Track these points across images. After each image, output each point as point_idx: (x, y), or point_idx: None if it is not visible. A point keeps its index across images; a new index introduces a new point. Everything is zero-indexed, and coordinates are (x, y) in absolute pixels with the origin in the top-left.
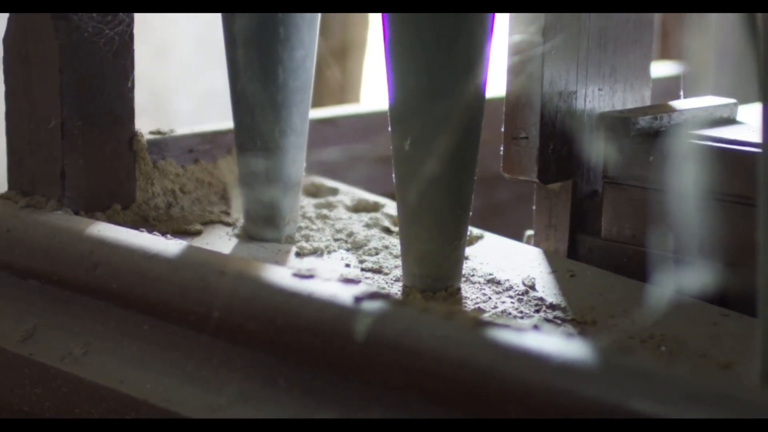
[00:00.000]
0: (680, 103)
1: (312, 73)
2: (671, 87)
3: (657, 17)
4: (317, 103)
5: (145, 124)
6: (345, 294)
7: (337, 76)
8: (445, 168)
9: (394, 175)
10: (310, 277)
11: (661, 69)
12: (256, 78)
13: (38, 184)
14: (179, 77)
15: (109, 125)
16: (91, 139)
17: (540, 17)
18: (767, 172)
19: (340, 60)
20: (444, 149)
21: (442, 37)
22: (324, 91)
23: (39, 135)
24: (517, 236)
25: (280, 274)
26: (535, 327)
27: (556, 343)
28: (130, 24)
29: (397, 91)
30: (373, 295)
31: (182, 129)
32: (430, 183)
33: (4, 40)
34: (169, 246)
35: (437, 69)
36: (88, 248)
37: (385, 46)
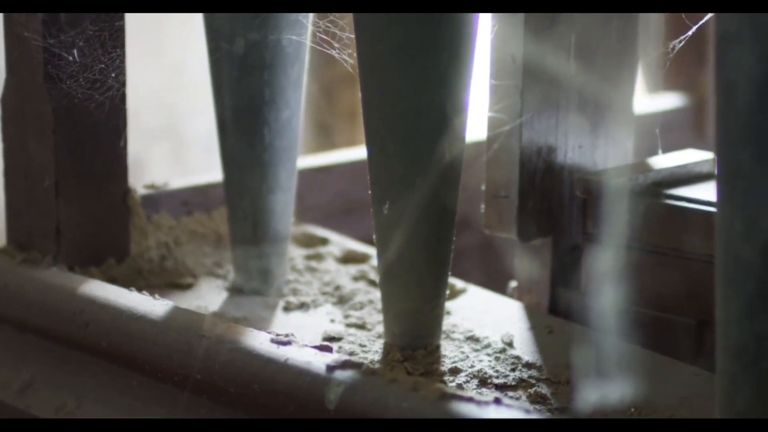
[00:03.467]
0: (658, 160)
1: (298, 133)
2: (673, 120)
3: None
4: (331, 126)
5: (162, 147)
6: (319, 362)
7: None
8: (423, 228)
9: (374, 235)
10: (288, 343)
11: (664, 102)
12: (243, 138)
13: (35, 238)
14: (195, 98)
15: (103, 182)
16: (85, 197)
17: (516, 92)
18: (721, 230)
19: (351, 85)
20: (422, 211)
21: (420, 104)
22: (336, 115)
23: (35, 192)
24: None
25: (259, 340)
26: (497, 400)
27: (515, 418)
28: (120, 88)
29: (376, 156)
30: (345, 364)
31: (176, 182)
32: (409, 244)
33: (2, 99)
34: (156, 307)
35: (416, 135)
36: (79, 307)
37: (363, 113)
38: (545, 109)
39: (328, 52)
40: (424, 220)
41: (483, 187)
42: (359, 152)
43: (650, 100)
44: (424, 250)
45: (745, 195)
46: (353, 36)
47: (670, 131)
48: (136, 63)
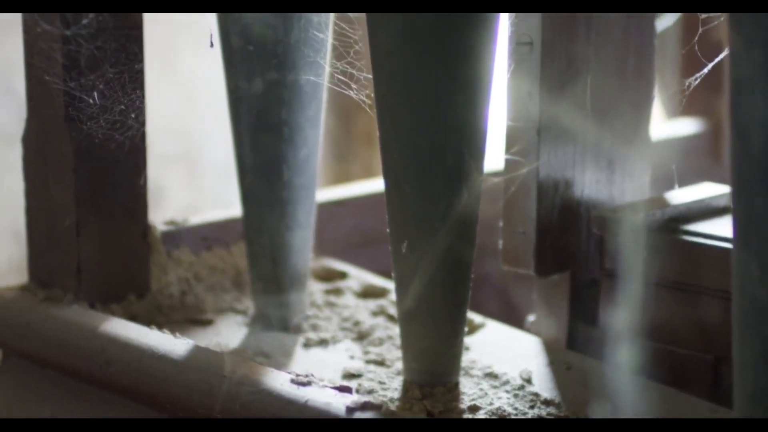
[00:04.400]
0: (674, 195)
1: (316, 170)
2: (690, 145)
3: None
4: (348, 149)
5: (178, 171)
6: (338, 403)
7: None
8: (441, 268)
9: (392, 273)
10: (308, 384)
11: (681, 128)
12: (262, 176)
13: (56, 276)
14: (209, 124)
15: (123, 220)
16: (105, 235)
17: (533, 131)
18: (737, 273)
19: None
20: (440, 251)
21: (436, 146)
22: (353, 139)
23: (56, 231)
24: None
25: (279, 380)
26: None
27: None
28: (140, 128)
29: (393, 194)
30: (364, 406)
31: (195, 218)
32: (427, 284)
33: (23, 139)
34: (176, 346)
35: (433, 176)
36: (101, 345)
37: (381, 151)
38: (562, 145)
39: (346, 92)
40: (441, 261)
41: (501, 223)
42: (376, 184)
43: (667, 126)
44: (441, 290)
45: (760, 239)
46: (371, 76)
47: (687, 156)
48: (150, 87)
